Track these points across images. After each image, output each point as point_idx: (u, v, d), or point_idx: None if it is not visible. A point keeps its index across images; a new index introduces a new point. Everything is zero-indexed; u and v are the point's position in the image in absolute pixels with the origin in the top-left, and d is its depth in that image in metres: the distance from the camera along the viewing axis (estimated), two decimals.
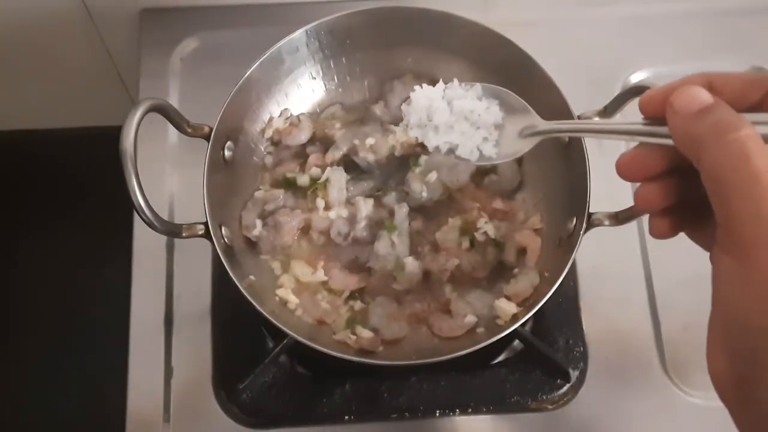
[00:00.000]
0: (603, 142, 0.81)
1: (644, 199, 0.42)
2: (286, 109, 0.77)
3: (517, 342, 0.75)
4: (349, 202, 0.73)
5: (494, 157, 0.57)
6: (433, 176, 0.72)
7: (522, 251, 0.71)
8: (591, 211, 0.64)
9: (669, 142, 0.39)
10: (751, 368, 0.34)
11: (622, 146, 0.83)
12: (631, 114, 0.73)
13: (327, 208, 0.72)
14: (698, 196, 0.37)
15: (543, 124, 0.53)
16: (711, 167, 0.36)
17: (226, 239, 0.67)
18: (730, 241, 0.35)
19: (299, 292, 0.70)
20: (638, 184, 0.43)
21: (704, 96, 0.37)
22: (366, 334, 0.68)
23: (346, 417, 0.72)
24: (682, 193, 0.40)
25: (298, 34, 0.72)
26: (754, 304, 0.34)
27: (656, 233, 0.42)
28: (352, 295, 0.71)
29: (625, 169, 0.42)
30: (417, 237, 0.73)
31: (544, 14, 0.89)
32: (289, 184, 0.74)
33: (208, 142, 0.66)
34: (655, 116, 0.40)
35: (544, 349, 0.72)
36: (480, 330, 0.68)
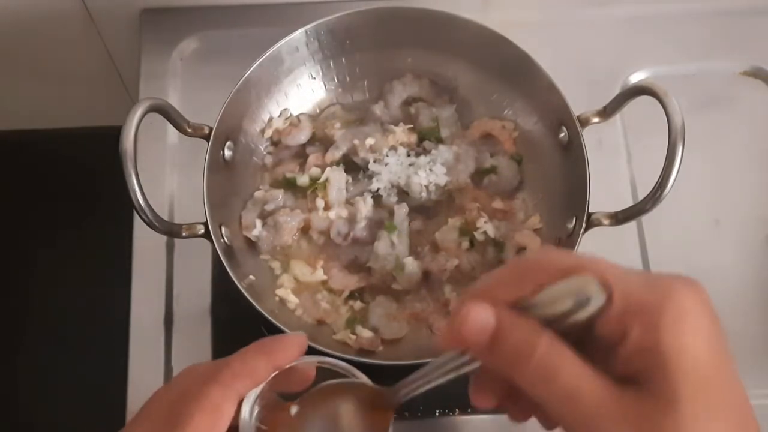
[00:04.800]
0: (603, 141, 0.81)
1: (518, 418, 0.40)
2: (285, 109, 0.77)
3: None
4: (349, 202, 0.73)
5: None
6: (433, 178, 0.73)
7: (522, 251, 0.71)
8: (590, 211, 0.64)
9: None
10: None
11: (622, 145, 0.83)
12: (630, 114, 0.74)
13: (327, 208, 0.73)
14: None
15: (389, 397, 0.46)
16: (529, 392, 0.35)
17: (226, 239, 0.67)
18: None
19: (299, 292, 0.70)
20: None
21: (485, 318, 0.35)
22: (366, 333, 0.68)
23: None
24: None
25: (298, 34, 0.72)
26: None
27: (549, 428, 0.40)
28: (352, 295, 0.71)
29: (480, 403, 0.40)
30: (417, 237, 0.73)
31: (543, 14, 0.89)
32: (289, 184, 0.74)
33: (208, 142, 0.66)
34: (462, 346, 0.38)
35: None
36: None
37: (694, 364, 0.33)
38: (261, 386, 0.44)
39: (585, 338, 0.35)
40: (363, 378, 0.47)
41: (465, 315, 0.36)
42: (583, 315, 0.34)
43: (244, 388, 0.43)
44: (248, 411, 0.43)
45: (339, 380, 0.47)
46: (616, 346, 0.34)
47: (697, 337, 0.33)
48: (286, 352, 0.45)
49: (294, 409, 0.45)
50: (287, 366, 0.46)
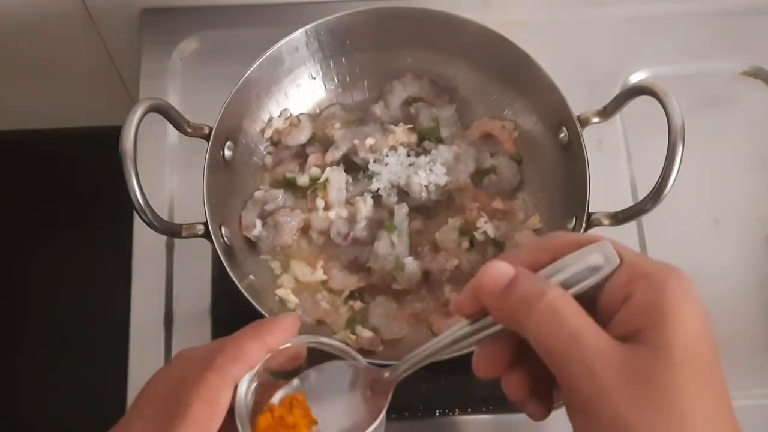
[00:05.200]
0: (603, 141, 0.81)
1: (513, 392, 0.42)
2: (285, 109, 0.77)
3: None
4: (349, 202, 0.73)
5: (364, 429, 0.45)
6: (433, 178, 0.73)
7: None
8: (590, 211, 0.64)
9: (499, 328, 0.40)
10: None
11: (622, 145, 0.83)
12: (630, 114, 0.74)
13: (327, 208, 0.73)
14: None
15: (386, 377, 0.46)
16: (534, 337, 0.37)
17: (226, 239, 0.67)
18: (574, 400, 0.36)
19: (299, 292, 0.70)
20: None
21: (505, 269, 0.39)
22: (366, 333, 0.68)
23: None
24: (539, 368, 0.40)
25: (298, 34, 0.72)
26: None
27: (537, 417, 0.43)
28: (352, 295, 0.71)
29: (481, 371, 0.42)
30: (417, 237, 0.73)
31: (543, 14, 0.89)
32: (289, 184, 0.74)
33: (208, 142, 0.66)
34: (476, 313, 0.41)
35: None
36: None
37: (693, 332, 0.35)
38: (256, 368, 0.45)
39: (587, 311, 0.37)
40: (355, 355, 0.48)
41: (485, 268, 0.39)
42: (594, 279, 0.37)
43: (240, 372, 0.44)
44: (243, 393, 0.44)
45: (338, 361, 0.48)
46: (617, 311, 0.37)
47: (695, 312, 0.36)
48: (279, 334, 0.46)
49: (295, 383, 0.46)
50: (280, 348, 0.47)
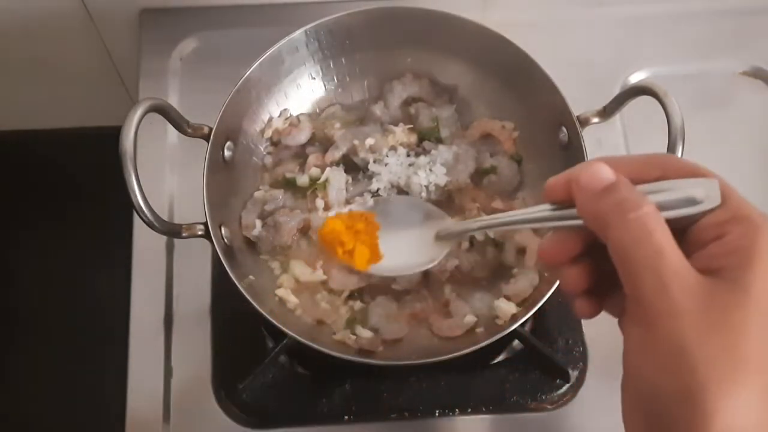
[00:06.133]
0: (603, 141, 0.81)
1: (569, 284, 0.43)
2: (285, 109, 0.77)
3: (516, 342, 0.75)
4: (349, 202, 0.73)
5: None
6: (433, 178, 0.73)
7: (521, 251, 0.71)
8: None
9: (579, 222, 0.40)
10: (665, 430, 0.36)
11: (622, 145, 0.83)
12: (630, 114, 0.74)
13: (326, 208, 0.73)
14: (610, 269, 0.39)
15: (457, 226, 0.51)
16: (617, 244, 0.37)
17: (225, 239, 0.67)
18: (638, 312, 0.37)
19: (299, 292, 0.70)
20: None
21: (607, 173, 0.39)
22: (366, 333, 0.68)
23: (346, 417, 0.72)
24: (600, 270, 0.41)
25: (298, 34, 0.72)
26: (661, 373, 0.36)
27: (583, 315, 0.43)
28: (352, 295, 0.71)
29: (547, 255, 0.43)
30: None
31: (543, 15, 0.89)
32: (289, 185, 0.74)
33: (208, 142, 0.66)
34: (562, 201, 0.41)
35: (543, 349, 0.72)
36: (479, 330, 0.68)
37: None
38: None
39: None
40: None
41: (588, 164, 0.39)
42: (689, 212, 0.38)
43: None
44: None
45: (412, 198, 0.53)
46: (705, 246, 0.37)
47: None
48: None
49: (369, 203, 0.51)
50: None
